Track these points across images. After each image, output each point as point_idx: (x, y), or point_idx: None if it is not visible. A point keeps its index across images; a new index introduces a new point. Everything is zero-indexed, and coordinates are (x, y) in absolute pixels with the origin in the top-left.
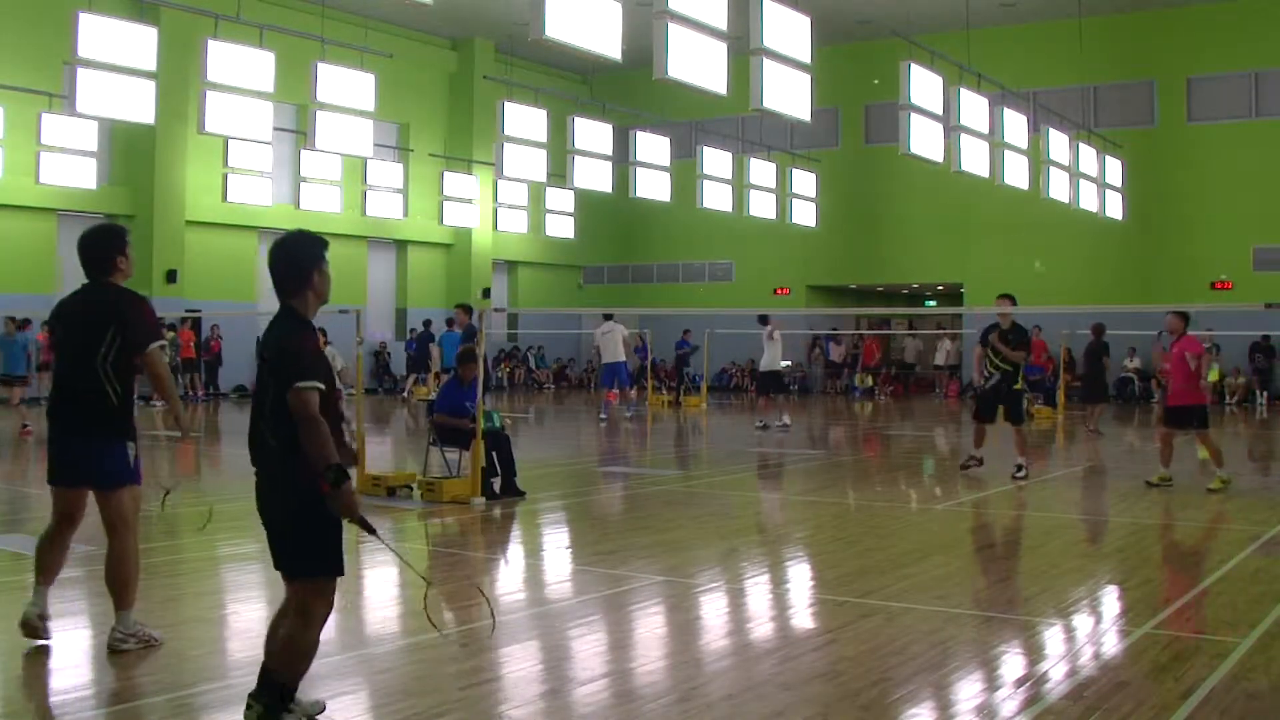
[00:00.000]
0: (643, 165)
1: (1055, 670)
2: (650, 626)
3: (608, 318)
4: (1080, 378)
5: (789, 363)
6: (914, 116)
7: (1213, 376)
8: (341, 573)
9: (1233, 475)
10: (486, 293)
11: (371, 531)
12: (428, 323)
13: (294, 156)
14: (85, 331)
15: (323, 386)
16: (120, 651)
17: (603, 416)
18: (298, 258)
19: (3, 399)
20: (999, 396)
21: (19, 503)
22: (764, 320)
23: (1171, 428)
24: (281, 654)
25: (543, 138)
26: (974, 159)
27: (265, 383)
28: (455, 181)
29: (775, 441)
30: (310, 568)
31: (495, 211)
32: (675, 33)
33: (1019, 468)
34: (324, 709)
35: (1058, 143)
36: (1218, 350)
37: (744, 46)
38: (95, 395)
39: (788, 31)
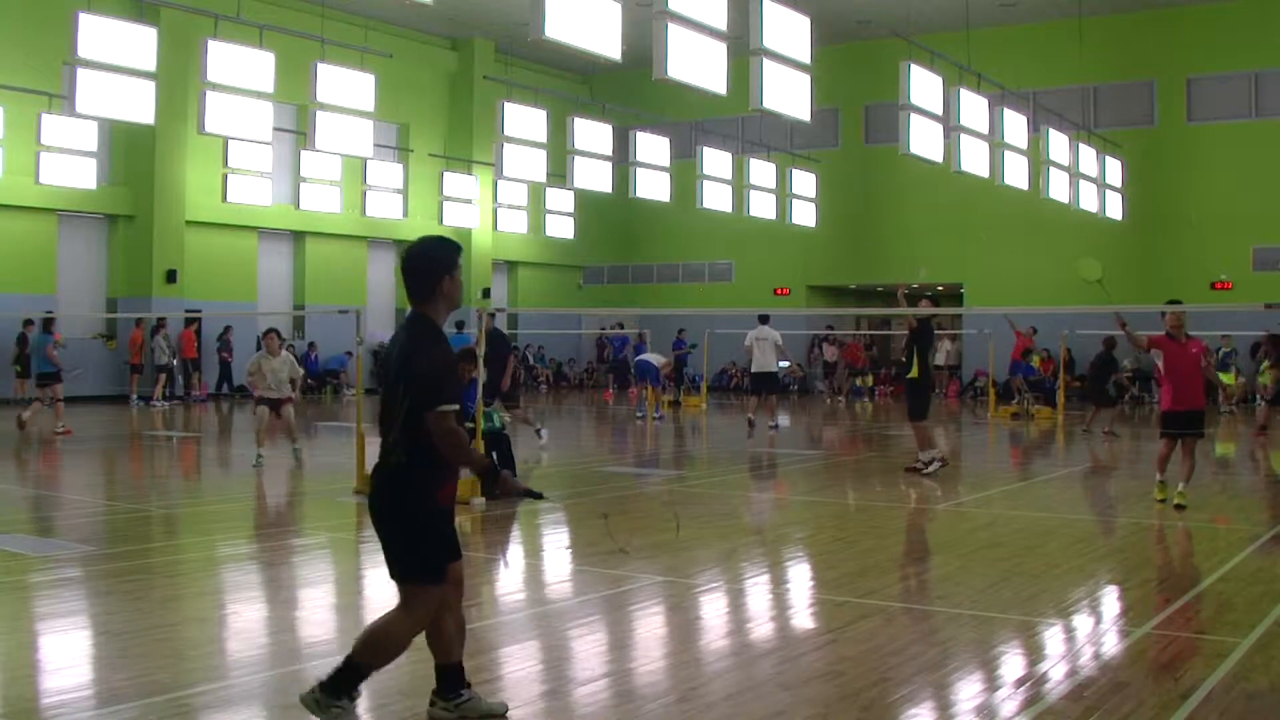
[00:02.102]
0: (643, 165)
1: (1055, 670)
2: (650, 626)
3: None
4: (1082, 380)
5: (788, 363)
6: (914, 117)
7: (1229, 379)
8: (443, 580)
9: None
10: (486, 293)
11: (539, 496)
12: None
13: (294, 157)
14: None
15: (457, 407)
16: None
17: (639, 415)
18: (430, 264)
19: (34, 398)
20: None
21: (19, 502)
22: (765, 319)
23: (1175, 433)
24: (371, 639)
25: (542, 138)
26: (974, 159)
27: (395, 394)
28: (455, 182)
29: (770, 441)
30: (417, 573)
31: (495, 212)
32: (675, 33)
33: (917, 460)
34: (505, 711)
35: (1058, 143)
36: (1235, 353)
37: (744, 46)
38: None
39: (787, 31)
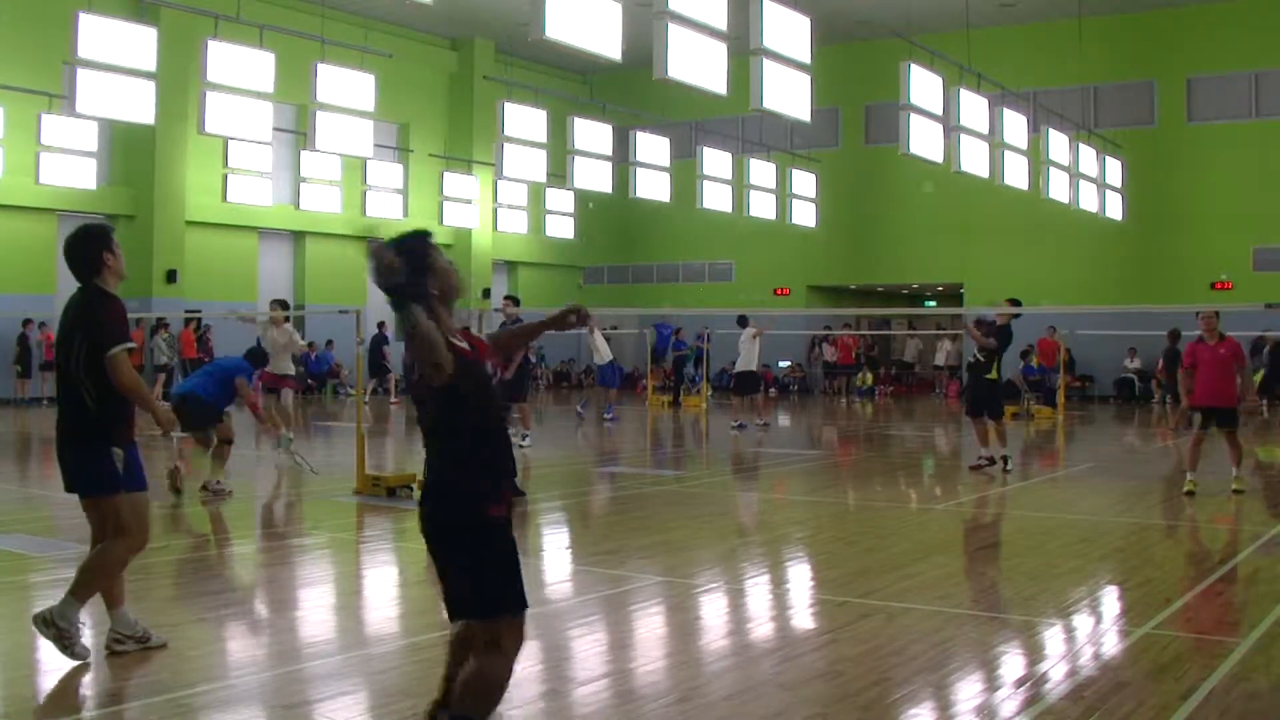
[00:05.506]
0: (643, 165)
1: (1055, 670)
2: (650, 626)
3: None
4: (1161, 382)
5: (788, 363)
6: (914, 117)
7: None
8: (527, 605)
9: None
10: (486, 293)
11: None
12: (382, 324)
13: (294, 157)
14: (62, 334)
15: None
16: (118, 654)
17: (579, 409)
18: None
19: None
20: (976, 390)
21: (19, 502)
22: (743, 321)
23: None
24: (469, 689)
25: (542, 138)
26: (974, 159)
27: (429, 407)
28: (455, 182)
29: (755, 441)
30: (504, 604)
31: (495, 212)
32: (675, 33)
33: (1005, 459)
34: None
35: (1058, 143)
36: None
37: (744, 46)
38: (74, 401)
39: (788, 31)
